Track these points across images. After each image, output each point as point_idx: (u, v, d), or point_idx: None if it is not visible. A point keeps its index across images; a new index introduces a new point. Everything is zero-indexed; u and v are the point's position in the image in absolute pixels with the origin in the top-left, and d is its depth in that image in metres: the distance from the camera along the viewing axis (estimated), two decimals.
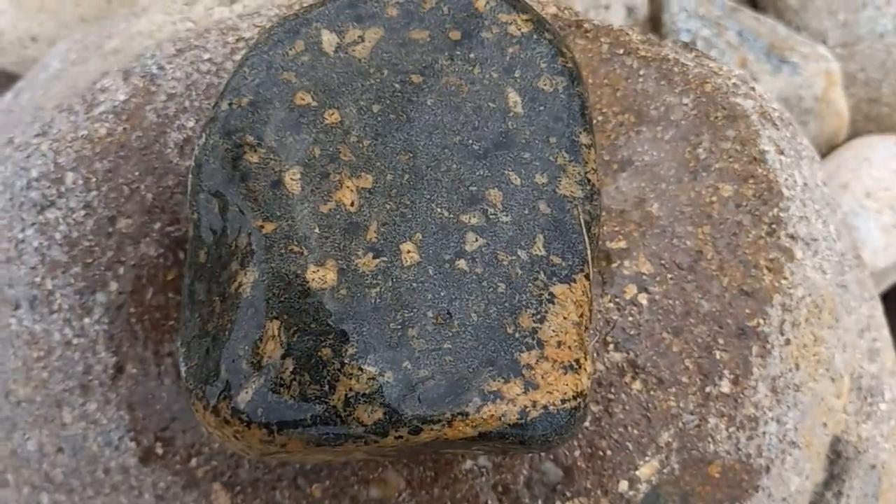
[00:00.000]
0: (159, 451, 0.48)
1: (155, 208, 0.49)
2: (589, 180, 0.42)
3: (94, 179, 0.50)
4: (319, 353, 0.36)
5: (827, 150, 0.95)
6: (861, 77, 0.94)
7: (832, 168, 0.91)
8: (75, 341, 0.49)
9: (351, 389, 0.36)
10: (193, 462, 0.47)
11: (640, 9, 0.91)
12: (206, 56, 0.53)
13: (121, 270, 0.49)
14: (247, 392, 0.37)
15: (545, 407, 0.37)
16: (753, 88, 0.54)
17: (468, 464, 0.45)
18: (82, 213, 0.50)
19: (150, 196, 0.49)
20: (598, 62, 0.51)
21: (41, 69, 0.71)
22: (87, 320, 0.49)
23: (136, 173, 0.50)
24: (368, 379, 0.36)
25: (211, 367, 0.38)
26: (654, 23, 0.95)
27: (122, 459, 0.48)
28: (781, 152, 0.52)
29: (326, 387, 0.36)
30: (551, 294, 0.39)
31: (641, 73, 0.51)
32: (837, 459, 0.52)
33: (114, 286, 0.49)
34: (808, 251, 0.50)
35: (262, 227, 0.39)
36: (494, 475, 0.45)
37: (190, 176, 0.42)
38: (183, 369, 0.40)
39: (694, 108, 0.50)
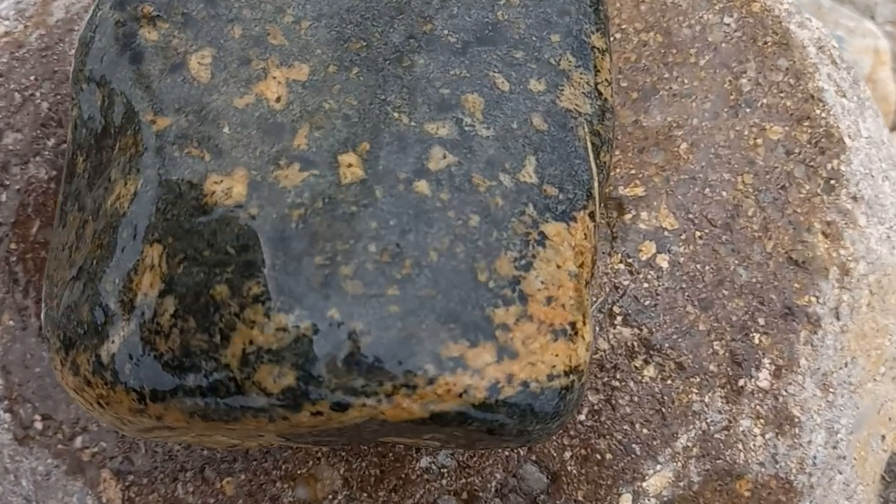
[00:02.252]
0: (38, 425, 0.38)
1: (51, 120, 0.39)
2: (600, 93, 0.32)
3: None
4: (212, 292, 0.26)
5: None
6: None
7: None
8: None
9: (251, 342, 0.25)
10: (78, 442, 0.38)
11: None
12: None
13: (3, 197, 0.38)
14: (113, 342, 0.27)
15: (525, 383, 0.27)
16: (809, 19, 0.44)
17: (425, 461, 0.34)
18: None
19: (46, 105, 0.39)
20: None
21: None
22: None
23: (32, 78, 0.40)
24: (277, 329, 0.26)
25: (74, 307, 0.28)
26: None
27: None
28: (843, 94, 0.41)
29: (218, 337, 0.26)
30: (542, 234, 0.29)
31: None
32: (894, 482, 0.41)
33: None
34: (874, 218, 0.40)
35: (153, 121, 0.29)
36: (458, 478, 0.34)
37: (73, 60, 0.32)
38: (42, 311, 0.30)
39: (738, 30, 0.40)
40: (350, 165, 0.29)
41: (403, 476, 0.35)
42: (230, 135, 0.29)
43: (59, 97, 0.40)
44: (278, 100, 0.30)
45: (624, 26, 0.40)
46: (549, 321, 0.28)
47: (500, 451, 0.34)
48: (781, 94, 0.39)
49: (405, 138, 0.30)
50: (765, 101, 0.39)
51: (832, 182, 0.39)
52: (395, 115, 0.30)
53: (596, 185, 0.31)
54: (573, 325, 0.28)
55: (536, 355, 0.28)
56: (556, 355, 0.28)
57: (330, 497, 0.35)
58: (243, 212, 0.27)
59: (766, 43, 0.40)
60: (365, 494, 0.35)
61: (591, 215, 0.31)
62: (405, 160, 0.29)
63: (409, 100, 0.30)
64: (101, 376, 0.27)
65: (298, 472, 0.35)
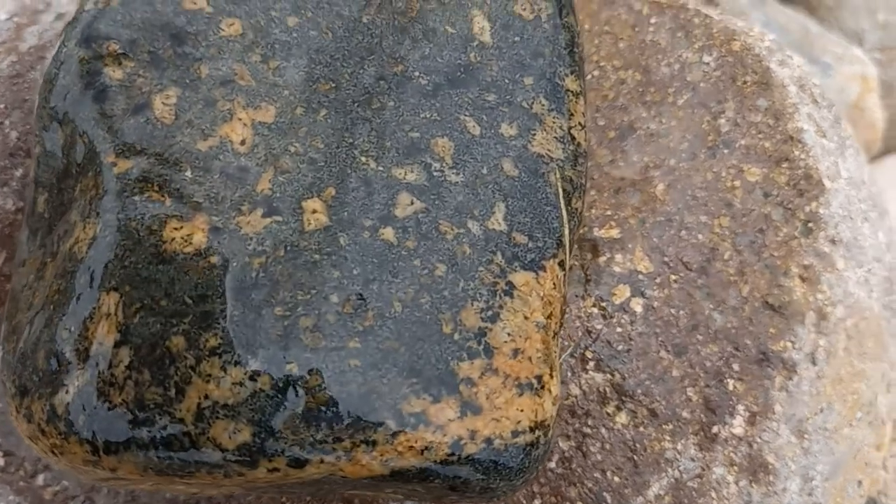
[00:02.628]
0: (0, 462, 0.37)
1: (19, 150, 0.38)
2: (574, 137, 0.31)
3: None
4: (168, 343, 0.25)
5: None
6: None
7: None
8: None
9: (207, 396, 0.25)
10: (40, 479, 0.37)
11: None
12: None
13: None
14: (67, 391, 0.26)
15: (489, 440, 0.26)
16: (791, 57, 0.43)
17: None
18: None
19: (15, 135, 0.39)
20: (599, 3, 0.40)
21: None
22: None
23: (2, 106, 0.39)
24: (234, 383, 0.25)
25: (28, 353, 0.27)
26: None
27: None
28: (823, 135, 0.41)
29: (173, 391, 0.25)
30: (510, 283, 0.28)
31: (653, 21, 0.40)
32: None
33: None
34: (852, 261, 0.39)
35: (114, 163, 0.28)
36: None
37: (37, 97, 0.31)
38: None
39: (717, 69, 0.40)
40: (314, 212, 0.28)
41: None
42: (192, 178, 0.28)
43: (28, 126, 0.39)
44: (243, 142, 0.29)
45: (602, 63, 0.40)
46: (514, 375, 0.28)
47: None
48: (760, 135, 0.39)
49: (372, 183, 0.29)
50: (743, 141, 0.39)
51: (810, 225, 0.39)
52: (363, 159, 0.30)
53: (566, 232, 0.30)
54: (540, 378, 0.28)
55: (501, 410, 0.27)
56: (522, 410, 0.27)
57: None
58: (203, 260, 0.27)
59: (745, 82, 0.40)
60: None
61: (561, 264, 0.30)
62: (371, 206, 0.29)
63: (378, 143, 0.30)
64: (55, 426, 0.27)
65: None
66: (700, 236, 0.37)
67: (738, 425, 0.36)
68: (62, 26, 0.42)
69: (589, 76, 0.39)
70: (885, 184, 0.80)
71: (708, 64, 0.40)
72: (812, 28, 0.83)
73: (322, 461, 0.26)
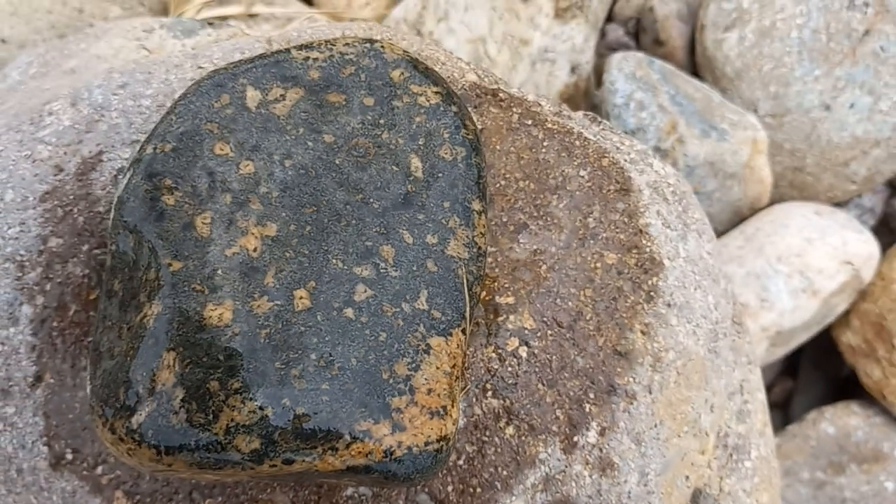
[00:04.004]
0: (69, 456, 0.51)
1: (85, 231, 0.53)
2: (476, 243, 0.47)
3: (31, 198, 0.54)
4: (207, 385, 0.40)
5: (750, 212, 1.01)
6: (787, 146, 1.00)
7: (751, 230, 0.96)
8: (0, 348, 0.52)
9: (233, 420, 0.40)
10: (99, 470, 0.51)
11: (585, 66, 0.96)
12: (149, 91, 0.57)
13: (48, 286, 0.52)
14: (140, 415, 0.41)
15: (409, 448, 0.41)
16: (651, 164, 0.59)
17: (349, 491, 0.49)
18: (17, 229, 0.54)
19: (82, 220, 0.53)
20: (507, 130, 0.56)
21: (1, 79, 0.74)
22: (12, 330, 0.52)
23: (71, 197, 0.54)
24: (249, 412, 0.40)
25: (112, 388, 0.42)
26: (598, 78, 1.01)
27: (35, 462, 0.52)
28: (668, 226, 0.56)
29: (211, 416, 0.40)
30: (428, 345, 0.44)
31: (545, 143, 0.56)
32: None
33: (40, 300, 0.52)
34: (683, 318, 0.55)
35: (170, 264, 0.43)
36: (373, 503, 0.49)
37: (112, 210, 0.46)
38: (88, 388, 0.44)
39: (589, 181, 0.55)
40: (301, 297, 0.43)
41: (334, 501, 0.49)
42: (222, 276, 0.43)
43: (91, 214, 0.53)
44: (255, 250, 0.44)
45: (508, 175, 0.55)
46: (428, 406, 0.43)
47: (402, 487, 0.49)
48: (617, 230, 0.55)
49: (339, 278, 0.44)
50: (604, 234, 0.54)
51: (651, 294, 0.54)
52: (334, 261, 0.45)
53: (468, 309, 0.46)
54: (444, 408, 0.43)
55: (418, 429, 0.42)
56: (432, 429, 0.42)
57: None
58: (230, 331, 0.42)
59: (609, 190, 0.55)
60: None
61: (463, 331, 0.45)
62: (338, 294, 0.44)
63: (344, 249, 0.45)
64: (132, 437, 0.41)
65: (259, 496, 0.50)
66: (570, 303, 0.53)
67: (592, 436, 0.52)
68: (113, 137, 0.56)
69: (497, 185, 0.55)
70: (770, 228, 0.97)
71: (583, 177, 0.55)
72: (714, 98, 0.99)
73: (304, 460, 0.41)
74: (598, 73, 1.02)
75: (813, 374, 1.12)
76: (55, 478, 0.51)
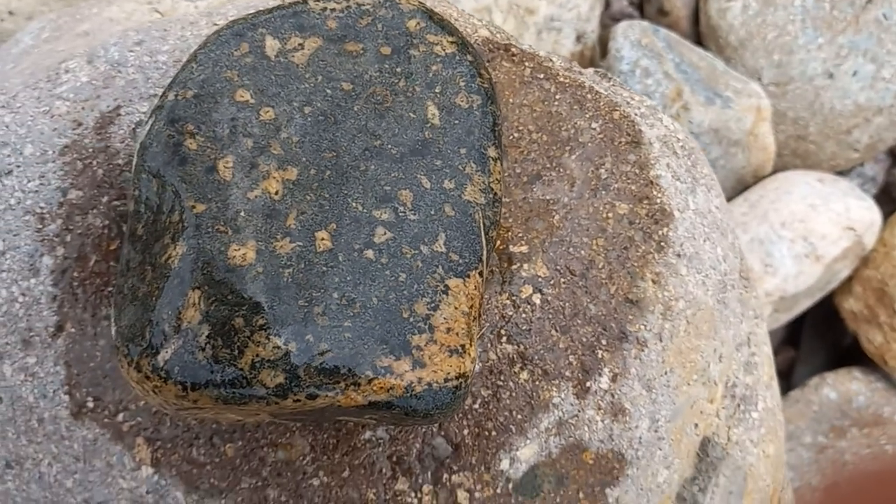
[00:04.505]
0: (90, 404, 0.52)
1: (104, 183, 0.54)
2: (492, 189, 0.48)
3: (50, 152, 0.55)
4: (232, 322, 0.41)
5: (753, 180, 1.02)
6: (791, 115, 1.00)
7: (755, 198, 0.97)
8: (21, 299, 0.53)
9: (258, 355, 0.41)
10: (120, 417, 0.52)
11: (590, 35, 0.96)
12: (165, 48, 0.58)
13: (68, 238, 0.53)
14: (166, 352, 0.42)
15: (429, 384, 0.42)
16: (661, 119, 0.60)
17: (367, 434, 0.50)
18: (37, 182, 0.54)
19: (101, 172, 0.54)
20: (520, 84, 0.57)
21: (13, 44, 0.75)
22: (33, 281, 0.53)
23: (90, 150, 0.54)
24: (274, 347, 0.41)
25: (137, 328, 0.43)
26: (603, 48, 1.01)
27: (56, 411, 0.53)
28: (678, 178, 0.57)
29: (236, 352, 0.41)
30: (446, 286, 0.45)
31: (557, 97, 0.57)
32: (706, 458, 0.58)
33: (60, 251, 0.53)
34: (692, 269, 0.56)
35: (193, 206, 0.44)
36: (390, 446, 0.50)
37: (135, 156, 0.46)
38: (113, 329, 0.45)
39: (601, 133, 0.56)
40: (323, 239, 0.44)
41: (352, 444, 0.50)
42: (244, 217, 0.44)
43: (110, 166, 0.54)
44: (276, 193, 0.45)
45: (521, 128, 0.56)
46: (447, 344, 0.44)
47: (418, 428, 0.50)
48: (628, 181, 0.55)
49: (359, 220, 0.45)
50: (616, 185, 0.55)
51: (662, 244, 0.55)
52: (354, 204, 0.45)
53: (485, 253, 0.47)
54: (463, 346, 0.44)
55: (438, 366, 0.43)
56: (451, 366, 0.43)
57: (301, 458, 0.50)
58: (253, 270, 0.43)
59: (620, 142, 0.56)
60: (325, 457, 0.50)
61: (480, 273, 0.46)
62: (359, 236, 0.45)
63: (363, 193, 0.46)
64: (158, 374, 0.42)
65: (279, 440, 0.51)
66: (582, 252, 0.54)
67: (604, 382, 0.53)
68: (130, 92, 0.57)
69: (510, 137, 0.56)
70: (774, 195, 0.98)
71: (594, 129, 0.56)
72: (718, 66, 0.99)
73: (327, 395, 0.42)
74: (603, 43, 1.02)
75: (814, 343, 1.13)
76: (76, 426, 0.52)
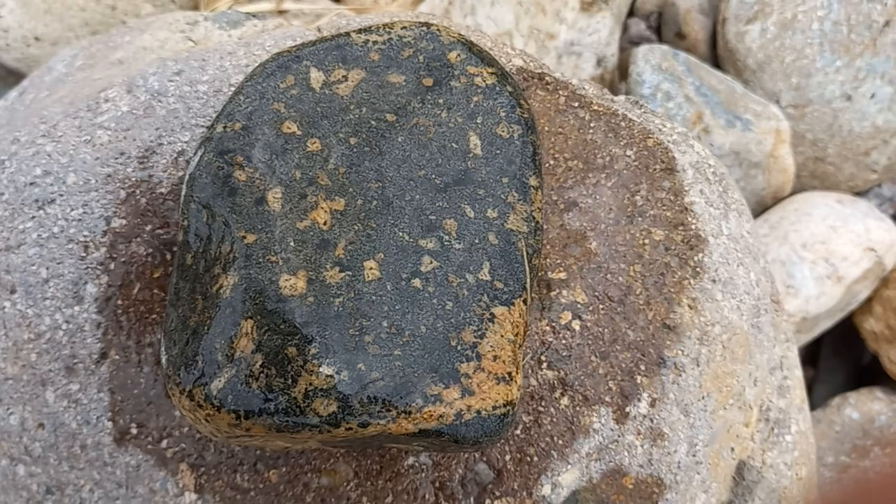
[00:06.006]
0: (133, 431, 0.53)
1: (147, 212, 0.54)
2: (534, 217, 0.48)
3: (93, 181, 0.56)
4: (286, 351, 0.42)
5: (773, 201, 1.02)
6: (809, 137, 1.01)
7: (775, 219, 0.98)
8: (64, 326, 0.54)
9: (311, 384, 0.41)
10: (164, 443, 0.53)
11: (610, 59, 0.97)
12: (205, 78, 0.59)
13: (112, 266, 0.54)
14: (220, 381, 0.42)
15: (478, 412, 0.43)
16: (692, 145, 0.61)
17: (410, 460, 0.50)
18: (80, 210, 0.55)
19: (144, 201, 0.55)
20: (555, 112, 0.57)
21: (46, 72, 0.76)
22: (76, 308, 0.54)
23: (133, 179, 0.55)
24: (326, 376, 0.41)
25: (189, 356, 0.44)
26: (623, 72, 1.02)
27: (99, 437, 0.53)
28: (711, 204, 0.58)
29: (289, 381, 0.41)
30: (492, 314, 0.45)
31: (592, 125, 0.57)
32: (742, 481, 0.58)
33: (104, 279, 0.54)
34: (727, 294, 0.56)
35: (244, 237, 0.45)
36: (433, 472, 0.50)
37: (183, 187, 0.47)
38: (163, 358, 0.45)
39: (636, 160, 0.57)
40: (371, 268, 0.45)
41: (395, 470, 0.51)
42: (294, 247, 0.45)
43: (153, 195, 0.55)
44: (325, 223, 0.46)
45: (557, 156, 0.57)
46: (494, 372, 0.44)
47: (461, 454, 0.51)
48: (664, 207, 0.56)
49: (406, 250, 0.46)
50: (652, 212, 0.56)
51: (698, 270, 0.56)
52: (400, 234, 0.46)
53: (528, 280, 0.47)
54: (510, 374, 0.45)
55: (486, 394, 0.44)
56: (499, 394, 0.44)
57: (345, 484, 0.51)
58: (304, 300, 0.43)
59: (655, 169, 0.57)
60: (369, 482, 0.51)
61: (525, 301, 0.47)
62: (406, 265, 0.45)
63: (409, 223, 0.47)
64: (211, 403, 0.43)
65: (323, 466, 0.51)
66: (620, 278, 0.54)
67: (643, 407, 0.53)
68: (172, 122, 0.58)
69: (547, 165, 0.56)
70: (794, 216, 0.98)
71: (629, 156, 0.57)
72: (737, 89, 1.00)
73: (378, 423, 0.42)
74: (622, 67, 1.03)
75: (833, 363, 1.14)
76: (119, 452, 0.53)
